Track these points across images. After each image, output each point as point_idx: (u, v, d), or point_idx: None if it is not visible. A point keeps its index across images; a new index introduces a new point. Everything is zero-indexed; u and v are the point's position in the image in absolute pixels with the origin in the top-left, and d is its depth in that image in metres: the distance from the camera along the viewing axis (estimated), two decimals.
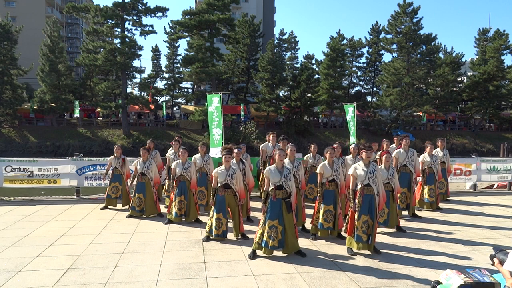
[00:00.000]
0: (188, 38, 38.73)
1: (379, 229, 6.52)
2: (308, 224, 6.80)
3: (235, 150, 7.26)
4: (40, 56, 35.44)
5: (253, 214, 7.75)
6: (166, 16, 37.73)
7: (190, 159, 7.73)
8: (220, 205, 6.09)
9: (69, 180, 9.79)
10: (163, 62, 47.44)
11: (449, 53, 43.43)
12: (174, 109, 47.42)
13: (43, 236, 6.42)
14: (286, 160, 6.31)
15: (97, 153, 30.88)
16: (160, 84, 53.78)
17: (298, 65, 44.00)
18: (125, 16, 34.87)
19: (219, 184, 6.10)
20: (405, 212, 7.82)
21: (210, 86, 40.66)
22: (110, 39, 36.06)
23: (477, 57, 43.80)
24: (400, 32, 38.78)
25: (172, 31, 41.76)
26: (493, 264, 2.29)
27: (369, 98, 46.85)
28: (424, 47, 39.15)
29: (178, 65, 43.50)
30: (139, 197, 7.72)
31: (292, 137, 31.85)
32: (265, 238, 5.36)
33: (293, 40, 47.28)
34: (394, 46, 40.37)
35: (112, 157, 8.52)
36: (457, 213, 8.26)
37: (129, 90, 41.95)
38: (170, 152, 8.64)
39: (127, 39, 34.79)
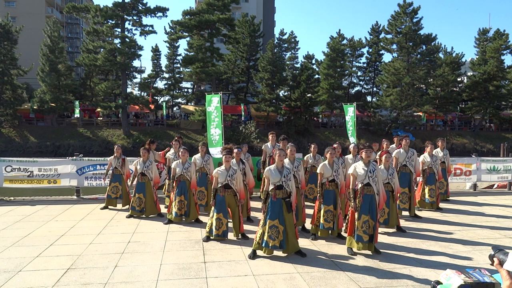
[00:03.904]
0: (188, 38, 38.75)
1: (379, 229, 6.51)
2: (308, 224, 6.80)
3: (235, 150, 7.26)
4: (40, 56, 35.44)
5: (253, 214, 7.75)
6: (166, 16, 37.75)
7: (190, 159, 7.73)
8: (220, 205, 6.09)
9: (69, 180, 9.79)
10: (163, 62, 47.56)
11: (449, 53, 43.43)
12: (174, 109, 47.45)
13: (43, 236, 6.42)
14: (286, 160, 6.31)
15: (97, 153, 30.89)
16: (160, 84, 53.90)
17: (298, 65, 44.01)
18: (125, 16, 34.87)
19: (219, 185, 6.10)
20: (405, 212, 7.82)
21: (210, 86, 40.67)
22: (110, 39, 36.05)
23: (477, 57, 43.80)
24: (400, 32, 38.77)
25: (172, 31, 41.78)
26: (492, 264, 2.28)
27: (369, 98, 46.87)
28: (424, 47, 39.16)
29: (178, 65, 43.55)
30: (139, 197, 7.72)
31: (292, 137, 31.86)
32: (265, 238, 5.36)
33: (293, 40, 47.26)
34: (394, 46, 40.37)
35: (112, 157, 8.53)
36: (457, 213, 8.26)
37: (129, 90, 41.97)
38: (170, 152, 8.64)
39: (127, 39, 34.80)
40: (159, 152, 9.13)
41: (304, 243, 5.99)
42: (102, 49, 35.40)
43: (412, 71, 37.38)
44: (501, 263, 2.20)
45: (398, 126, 38.83)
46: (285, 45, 47.08)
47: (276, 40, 45.23)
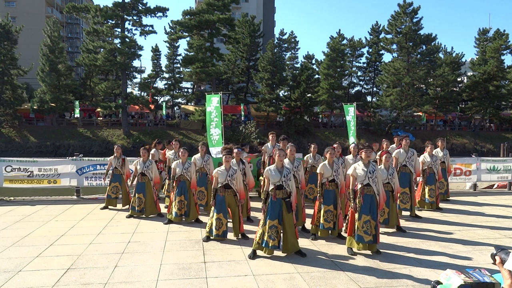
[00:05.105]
0: (188, 38, 38.75)
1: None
2: (308, 224, 6.80)
3: (235, 150, 7.25)
4: (40, 56, 35.43)
5: (253, 214, 7.75)
6: (166, 16, 37.75)
7: (190, 159, 7.73)
8: (220, 205, 6.09)
9: (69, 180, 9.80)
10: (163, 62, 47.54)
11: (449, 53, 43.42)
12: (174, 109, 47.46)
13: (43, 236, 6.42)
14: (286, 160, 6.30)
15: (97, 153, 30.88)
16: (160, 84, 53.89)
17: (298, 65, 44.01)
18: (125, 16, 34.87)
19: (219, 185, 6.10)
20: (405, 212, 7.82)
21: (210, 86, 40.67)
22: (110, 39, 36.05)
23: (477, 57, 43.78)
24: (400, 32, 38.77)
25: (172, 31, 41.78)
26: (494, 263, 2.28)
27: (369, 98, 46.86)
28: (424, 47, 39.14)
29: (178, 65, 43.55)
30: (139, 197, 7.72)
31: (292, 137, 31.85)
32: (265, 238, 5.36)
33: (293, 40, 47.25)
34: (394, 46, 40.36)
35: (112, 157, 8.53)
36: (457, 213, 8.26)
37: (129, 90, 41.97)
38: (170, 152, 8.65)
39: (127, 39, 34.80)
40: (163, 151, 9.19)
41: (304, 243, 5.99)
42: (102, 49, 35.39)
43: (412, 71, 37.37)
44: (503, 262, 2.21)
45: (398, 126, 38.82)
46: (285, 45, 47.07)
47: (276, 40, 45.22)
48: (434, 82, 40.24)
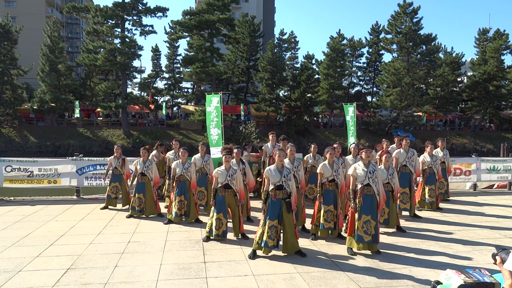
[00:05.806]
0: (188, 38, 38.77)
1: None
2: (308, 224, 6.80)
3: (235, 150, 7.25)
4: (40, 56, 35.45)
5: (253, 214, 7.75)
6: (166, 16, 37.77)
7: (190, 159, 7.73)
8: (220, 205, 6.09)
9: (69, 180, 9.80)
10: (163, 62, 47.55)
11: (449, 53, 43.42)
12: (174, 109, 47.49)
13: (43, 236, 6.42)
14: (286, 160, 6.30)
15: (97, 153, 30.89)
16: (160, 84, 53.90)
17: (298, 65, 44.03)
18: (125, 16, 34.90)
19: (219, 185, 6.10)
20: (405, 212, 7.82)
21: (210, 86, 40.69)
22: (110, 39, 36.06)
23: (477, 57, 43.79)
24: (400, 32, 38.78)
25: (172, 31, 41.79)
26: (495, 263, 2.29)
27: (369, 98, 46.88)
28: (424, 47, 39.16)
29: (178, 65, 43.55)
30: (139, 197, 7.72)
31: (292, 137, 31.85)
32: (265, 238, 5.36)
33: (293, 40, 47.25)
34: (394, 46, 40.37)
35: (112, 157, 8.53)
36: (457, 213, 8.26)
37: (129, 90, 41.98)
38: (170, 152, 8.66)
39: (127, 39, 34.82)
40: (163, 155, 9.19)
41: (304, 243, 5.99)
42: (102, 49, 35.42)
43: (412, 71, 37.37)
44: (503, 262, 2.22)
45: (398, 126, 38.83)
46: (285, 45, 47.06)
47: (276, 40, 45.22)
48: (434, 82, 40.25)
